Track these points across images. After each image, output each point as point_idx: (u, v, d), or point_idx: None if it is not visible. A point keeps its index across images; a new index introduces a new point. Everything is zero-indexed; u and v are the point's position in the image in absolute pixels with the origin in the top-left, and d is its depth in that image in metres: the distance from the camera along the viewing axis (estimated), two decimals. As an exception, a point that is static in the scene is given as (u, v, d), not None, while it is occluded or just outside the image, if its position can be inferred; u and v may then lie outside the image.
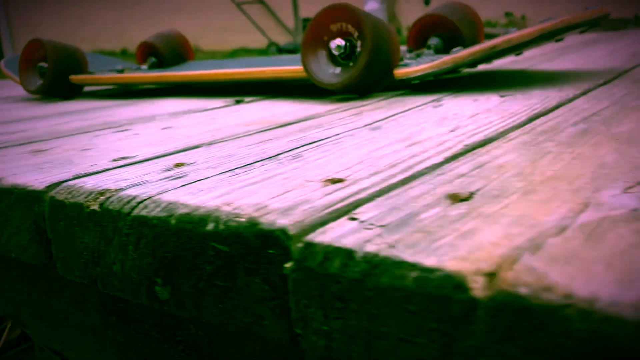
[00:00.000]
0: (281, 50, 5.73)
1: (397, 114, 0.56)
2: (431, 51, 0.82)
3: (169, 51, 1.19)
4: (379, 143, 0.42)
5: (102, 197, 0.33)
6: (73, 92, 1.06)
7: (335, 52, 0.70)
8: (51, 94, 1.04)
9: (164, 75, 0.92)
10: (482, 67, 0.98)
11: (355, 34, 0.70)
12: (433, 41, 0.88)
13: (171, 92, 0.98)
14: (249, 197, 0.30)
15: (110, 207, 0.32)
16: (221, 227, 0.27)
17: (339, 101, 0.70)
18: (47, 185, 0.37)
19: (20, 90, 1.22)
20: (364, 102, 0.66)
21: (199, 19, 6.83)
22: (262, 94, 0.84)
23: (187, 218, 0.28)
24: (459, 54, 0.66)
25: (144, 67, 1.17)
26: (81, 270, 0.34)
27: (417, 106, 0.60)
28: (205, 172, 0.37)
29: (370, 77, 0.69)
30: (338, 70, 0.71)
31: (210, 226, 0.27)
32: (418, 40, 0.90)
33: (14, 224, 0.38)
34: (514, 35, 0.64)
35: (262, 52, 5.79)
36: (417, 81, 0.69)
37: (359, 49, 0.69)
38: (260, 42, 6.35)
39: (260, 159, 0.40)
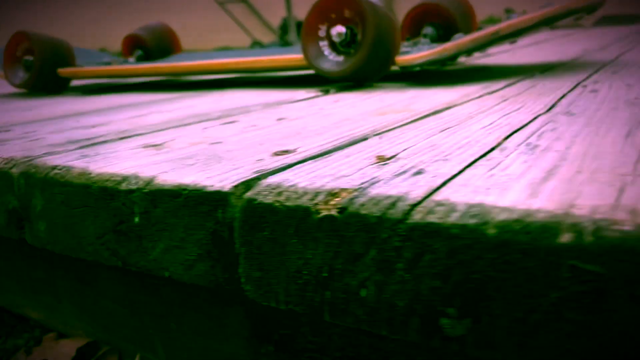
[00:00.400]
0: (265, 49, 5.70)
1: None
2: (427, 40, 0.83)
3: (157, 44, 1.18)
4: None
5: (338, 199, 0.25)
6: (60, 86, 1.04)
7: (337, 40, 0.70)
8: (38, 88, 1.02)
9: (165, 66, 0.90)
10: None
11: (357, 21, 0.70)
12: (427, 30, 0.89)
13: (193, 86, 0.97)
14: (575, 196, 0.23)
15: (363, 211, 0.24)
16: (588, 238, 0.20)
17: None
18: (235, 184, 0.28)
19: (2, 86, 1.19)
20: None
21: (181, 18, 6.73)
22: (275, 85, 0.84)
23: (516, 226, 0.21)
24: (461, 40, 0.66)
25: (132, 59, 1.16)
26: (293, 295, 0.26)
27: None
28: (440, 166, 0.29)
29: (372, 65, 0.69)
30: (340, 58, 0.71)
31: (565, 237, 0.20)
32: (412, 30, 0.91)
33: (177, 235, 0.30)
34: (515, 20, 0.65)
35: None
36: (418, 68, 0.70)
37: (360, 37, 0.69)
38: (243, 42, 6.32)
39: (483, 151, 0.32)
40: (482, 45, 0.67)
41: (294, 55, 0.75)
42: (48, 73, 1.00)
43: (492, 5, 4.52)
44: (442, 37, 0.89)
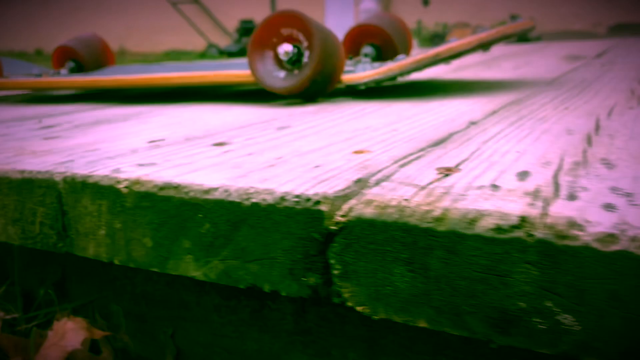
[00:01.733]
0: (222, 53, 5.41)
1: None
2: (368, 59, 0.86)
3: (89, 56, 1.15)
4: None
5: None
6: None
7: (284, 58, 0.72)
8: (-37, 98, 0.97)
9: (108, 79, 0.88)
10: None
11: (304, 42, 0.71)
12: (367, 49, 0.92)
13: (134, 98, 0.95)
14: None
15: None
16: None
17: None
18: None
19: None
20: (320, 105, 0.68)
21: (123, 18, 6.45)
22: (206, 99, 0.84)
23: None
24: (404, 61, 0.70)
25: (64, 71, 1.12)
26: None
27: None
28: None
29: (318, 84, 0.71)
30: (286, 75, 0.73)
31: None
32: (352, 48, 0.94)
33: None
34: (454, 44, 0.68)
35: (202, 55, 5.46)
36: (363, 87, 0.72)
37: (306, 56, 0.71)
38: (195, 44, 6.05)
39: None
40: (423, 66, 0.70)
41: (241, 71, 0.76)
42: (-26, 83, 0.95)
43: (496, 10, 4.45)
44: (380, 55, 0.93)
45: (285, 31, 0.73)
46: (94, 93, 1.05)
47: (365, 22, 0.93)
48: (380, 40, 0.92)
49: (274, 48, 0.73)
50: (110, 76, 0.87)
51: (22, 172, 0.42)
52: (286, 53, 0.71)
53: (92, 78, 0.89)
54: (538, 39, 3.01)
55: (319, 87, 0.71)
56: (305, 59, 0.72)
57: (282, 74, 0.73)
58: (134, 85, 0.84)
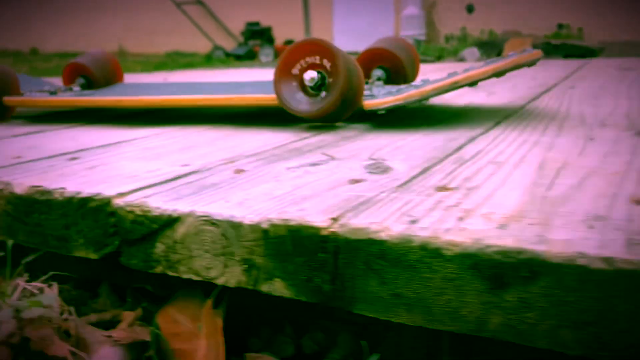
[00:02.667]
0: (229, 55, 5.29)
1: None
2: (380, 82, 0.90)
3: (100, 72, 1.17)
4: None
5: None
6: (3, 114, 1.01)
7: (309, 84, 0.75)
8: (-19, 116, 0.99)
9: (127, 99, 0.90)
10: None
11: (328, 67, 0.75)
12: (377, 72, 0.96)
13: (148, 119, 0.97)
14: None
15: None
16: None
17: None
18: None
19: None
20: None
21: (122, 18, 6.32)
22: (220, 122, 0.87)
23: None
24: (424, 88, 0.74)
25: (76, 88, 1.14)
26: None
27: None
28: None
29: (342, 108, 0.75)
30: (309, 99, 0.76)
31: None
32: (363, 71, 0.98)
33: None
34: (472, 73, 0.73)
35: (207, 57, 5.32)
36: (383, 112, 0.76)
37: (330, 81, 0.75)
38: (197, 46, 5.93)
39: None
40: (442, 93, 0.74)
41: (266, 95, 0.80)
42: (-8, 101, 0.97)
43: (543, 20, 4.29)
44: (389, 78, 0.97)
45: (309, 58, 0.76)
46: (85, 112, 1.07)
47: (376, 46, 0.97)
48: (390, 64, 0.96)
49: (299, 74, 0.77)
50: (134, 97, 0.89)
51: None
52: (312, 79, 0.75)
53: (117, 98, 0.91)
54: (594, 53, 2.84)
55: (343, 111, 0.75)
56: (327, 85, 0.75)
57: (305, 98, 0.77)
58: (158, 106, 0.87)
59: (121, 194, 0.47)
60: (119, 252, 0.47)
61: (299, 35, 5.78)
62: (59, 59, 5.50)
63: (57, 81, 1.39)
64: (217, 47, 5.61)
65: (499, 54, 3.41)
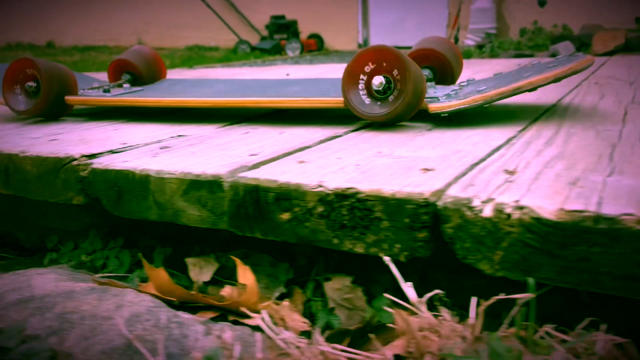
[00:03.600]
0: (254, 49, 5.29)
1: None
2: (432, 83, 0.95)
3: (145, 68, 1.21)
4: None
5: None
6: (61, 113, 1.05)
7: (377, 88, 0.80)
8: (44, 115, 1.02)
9: (190, 100, 0.94)
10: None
11: (394, 73, 0.79)
12: (425, 72, 1.00)
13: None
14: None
15: None
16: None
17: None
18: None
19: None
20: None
21: (141, 12, 6.23)
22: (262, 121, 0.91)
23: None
24: (488, 93, 0.78)
25: (126, 85, 1.18)
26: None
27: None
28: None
29: (408, 111, 0.79)
30: (377, 103, 0.81)
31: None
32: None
33: None
34: (534, 79, 0.77)
35: (233, 51, 5.31)
36: (446, 114, 0.81)
37: (398, 86, 0.79)
38: (219, 40, 5.89)
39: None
40: (504, 97, 0.79)
41: (333, 98, 0.84)
42: (54, 100, 1.00)
43: (619, 14, 4.12)
44: (435, 78, 1.01)
45: (376, 64, 0.80)
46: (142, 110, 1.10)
47: (425, 47, 1.01)
48: (437, 64, 1.01)
49: (366, 79, 0.81)
50: (205, 98, 0.93)
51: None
52: (380, 84, 0.79)
53: (186, 99, 0.94)
54: None
55: (408, 114, 0.80)
56: (394, 89, 0.80)
57: (373, 102, 0.81)
58: (225, 106, 0.91)
59: None
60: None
61: (323, 30, 5.74)
62: (79, 53, 5.46)
63: (97, 76, 1.42)
64: (242, 41, 5.57)
65: (578, 48, 3.37)
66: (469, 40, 4.73)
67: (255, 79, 1.27)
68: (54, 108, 1.01)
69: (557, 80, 0.78)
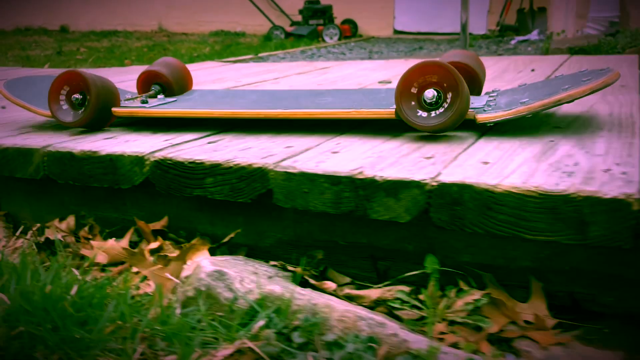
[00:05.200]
0: (289, 35, 5.08)
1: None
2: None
3: (175, 79, 1.24)
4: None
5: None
6: (105, 123, 1.07)
7: (430, 101, 0.86)
8: (90, 126, 1.05)
9: (245, 112, 0.98)
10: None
11: (445, 86, 0.86)
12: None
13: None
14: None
15: None
16: None
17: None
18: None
19: (23, 117, 1.19)
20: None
21: None
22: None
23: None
24: (532, 104, 0.85)
25: (160, 96, 1.21)
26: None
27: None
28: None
29: (457, 122, 0.86)
30: (428, 114, 0.87)
31: None
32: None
33: None
34: (572, 92, 0.84)
35: (266, 37, 5.10)
36: (492, 124, 0.87)
37: (449, 99, 0.85)
38: (245, 26, 5.62)
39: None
40: (546, 109, 0.86)
41: (384, 110, 0.90)
42: (101, 111, 1.03)
43: None
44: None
45: (428, 77, 0.87)
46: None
47: (455, 60, 1.08)
48: (468, 76, 1.08)
49: (416, 92, 0.87)
50: (251, 110, 0.97)
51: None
52: (433, 96, 0.85)
53: (232, 111, 0.99)
54: None
55: (457, 124, 0.86)
56: (443, 100, 0.86)
57: (424, 113, 0.87)
58: (275, 117, 0.96)
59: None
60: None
61: (357, 15, 5.46)
62: (105, 38, 5.10)
63: (124, 86, 1.44)
64: (275, 27, 5.30)
65: None
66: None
67: (287, 89, 1.32)
68: (100, 119, 1.04)
69: (593, 91, 0.86)
